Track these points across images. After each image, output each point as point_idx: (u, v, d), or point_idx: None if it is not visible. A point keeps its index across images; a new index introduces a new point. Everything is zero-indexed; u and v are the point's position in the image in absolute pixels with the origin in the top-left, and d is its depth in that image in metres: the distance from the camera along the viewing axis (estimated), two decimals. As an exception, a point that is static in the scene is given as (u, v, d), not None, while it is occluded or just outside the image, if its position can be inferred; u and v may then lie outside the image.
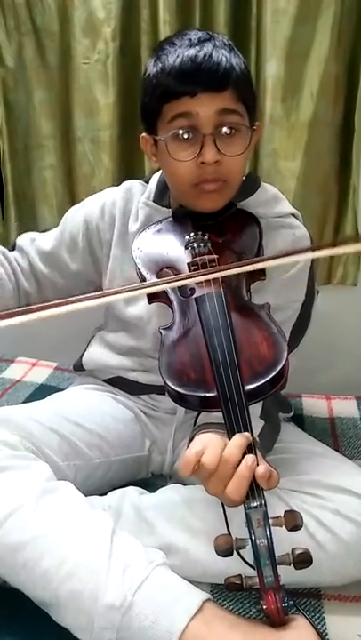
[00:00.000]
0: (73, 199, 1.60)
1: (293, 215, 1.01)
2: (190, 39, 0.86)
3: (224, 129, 0.86)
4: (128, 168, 1.55)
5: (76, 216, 1.07)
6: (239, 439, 0.70)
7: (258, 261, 0.86)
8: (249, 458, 0.68)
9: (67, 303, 0.74)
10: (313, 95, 1.40)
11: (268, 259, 0.88)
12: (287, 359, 0.75)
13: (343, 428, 1.24)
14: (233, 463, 0.69)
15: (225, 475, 0.69)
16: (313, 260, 1.01)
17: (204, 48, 0.84)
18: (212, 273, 0.81)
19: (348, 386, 1.41)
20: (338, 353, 1.60)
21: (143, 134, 0.95)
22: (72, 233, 1.06)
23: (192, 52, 0.84)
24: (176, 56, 0.85)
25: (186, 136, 0.86)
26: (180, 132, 0.86)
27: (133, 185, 1.07)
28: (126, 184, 1.07)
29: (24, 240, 1.10)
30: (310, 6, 1.35)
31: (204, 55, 0.84)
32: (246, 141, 0.88)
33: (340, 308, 1.51)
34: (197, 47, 0.84)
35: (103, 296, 0.81)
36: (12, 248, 1.10)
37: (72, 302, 0.75)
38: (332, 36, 1.36)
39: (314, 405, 1.34)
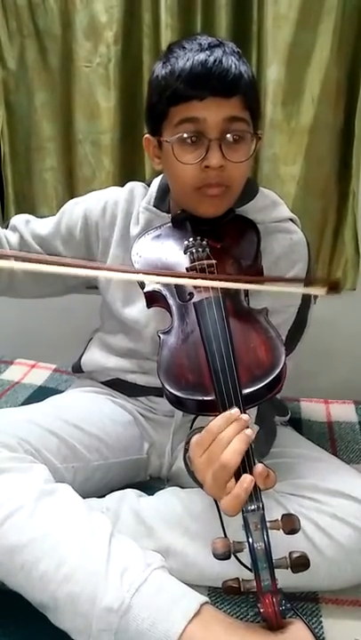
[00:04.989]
0: (73, 201, 1.60)
1: (291, 220, 1.01)
2: (200, 44, 0.86)
3: (230, 135, 0.86)
4: (128, 171, 1.55)
5: (74, 209, 1.07)
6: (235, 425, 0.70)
7: (256, 281, 0.87)
8: (247, 479, 0.68)
9: (69, 264, 0.74)
10: (314, 100, 1.41)
11: (267, 280, 0.90)
12: (285, 363, 0.76)
13: (341, 433, 1.24)
14: (224, 440, 0.70)
15: (215, 456, 0.70)
16: (310, 265, 1.01)
17: (214, 53, 0.84)
18: (210, 280, 0.82)
19: (346, 390, 1.41)
20: (336, 357, 1.60)
21: (146, 135, 0.95)
22: (69, 225, 1.06)
23: (202, 56, 0.84)
24: (186, 59, 0.85)
25: (192, 140, 0.86)
26: (186, 135, 0.86)
27: (136, 187, 1.07)
28: (129, 185, 1.08)
29: (18, 220, 1.09)
30: (311, 12, 1.36)
31: (215, 60, 0.84)
32: (251, 148, 0.89)
33: (339, 312, 1.51)
34: (208, 52, 0.84)
35: (97, 269, 0.81)
36: (7, 227, 1.10)
37: (73, 265, 0.75)
38: (333, 42, 1.37)
39: (312, 409, 1.34)
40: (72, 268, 0.75)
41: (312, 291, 0.88)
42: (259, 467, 0.69)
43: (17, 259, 0.72)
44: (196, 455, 0.73)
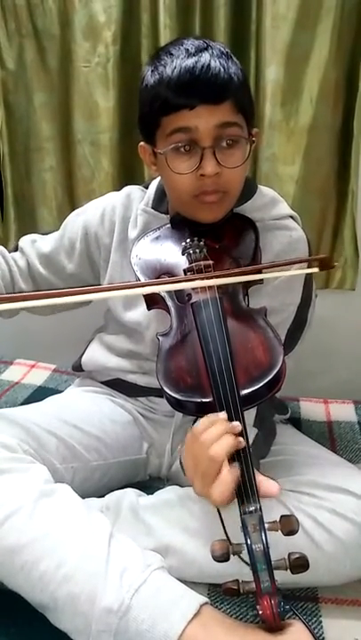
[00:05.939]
0: (72, 201, 1.60)
1: (291, 217, 1.01)
2: (187, 49, 0.84)
3: (223, 141, 0.85)
4: (128, 171, 1.55)
5: (75, 221, 1.08)
6: (220, 425, 0.70)
7: (252, 271, 0.86)
8: (232, 468, 0.68)
9: (65, 294, 0.75)
10: (312, 100, 1.41)
11: (263, 268, 0.89)
12: (283, 363, 0.75)
13: (341, 432, 1.24)
14: (207, 441, 0.69)
15: (201, 456, 0.69)
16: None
17: (201, 59, 0.83)
18: (206, 279, 0.82)
19: (345, 390, 1.41)
20: (336, 357, 1.60)
21: (141, 143, 0.94)
22: (70, 238, 1.07)
23: (190, 62, 0.83)
24: (173, 67, 0.83)
25: (185, 149, 0.85)
26: (179, 145, 0.85)
27: (133, 190, 1.07)
28: (126, 189, 1.08)
29: (25, 241, 1.11)
30: (310, 12, 1.36)
31: (202, 66, 0.82)
32: (246, 152, 0.88)
33: (338, 312, 1.52)
34: (195, 58, 0.83)
35: (100, 291, 0.82)
36: (15, 249, 1.11)
37: (70, 294, 0.75)
38: (331, 42, 1.36)
39: (311, 409, 1.34)
40: (72, 297, 0.76)
41: (306, 270, 0.89)
42: (264, 483, 0.69)
43: (13, 299, 0.74)
44: (185, 457, 0.74)
